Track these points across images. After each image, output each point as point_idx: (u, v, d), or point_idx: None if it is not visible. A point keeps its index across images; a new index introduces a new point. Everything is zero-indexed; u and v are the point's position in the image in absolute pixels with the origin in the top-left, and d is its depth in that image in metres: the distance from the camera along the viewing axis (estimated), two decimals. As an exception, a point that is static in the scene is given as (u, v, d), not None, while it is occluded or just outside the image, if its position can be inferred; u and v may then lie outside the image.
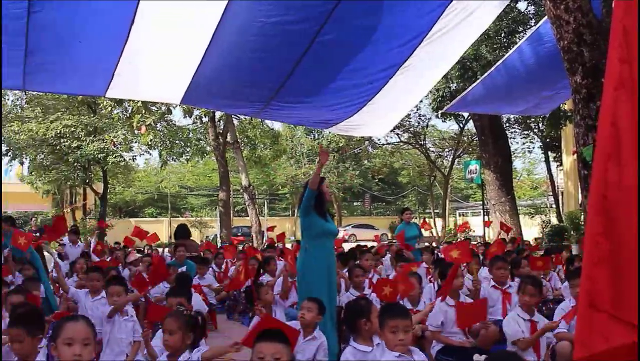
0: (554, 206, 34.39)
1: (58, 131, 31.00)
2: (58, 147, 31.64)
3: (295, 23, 6.44)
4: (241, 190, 31.10)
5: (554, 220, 31.40)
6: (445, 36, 7.04)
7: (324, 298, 6.81)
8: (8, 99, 35.85)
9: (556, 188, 33.31)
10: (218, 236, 33.88)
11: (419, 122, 37.04)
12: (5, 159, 39.02)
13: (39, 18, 5.96)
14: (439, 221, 39.16)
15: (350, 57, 7.23)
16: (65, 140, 31.18)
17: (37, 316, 5.35)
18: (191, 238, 14.35)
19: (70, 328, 3.98)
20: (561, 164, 32.07)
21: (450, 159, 40.66)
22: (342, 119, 8.94)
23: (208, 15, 6.18)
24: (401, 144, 41.34)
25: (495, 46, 20.66)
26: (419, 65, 7.53)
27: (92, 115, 32.27)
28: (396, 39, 6.91)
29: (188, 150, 32.13)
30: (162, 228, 46.59)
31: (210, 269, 12.95)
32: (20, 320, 5.02)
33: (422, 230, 14.56)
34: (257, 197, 37.95)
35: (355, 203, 65.70)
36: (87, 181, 35.19)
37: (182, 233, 13.93)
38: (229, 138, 29.26)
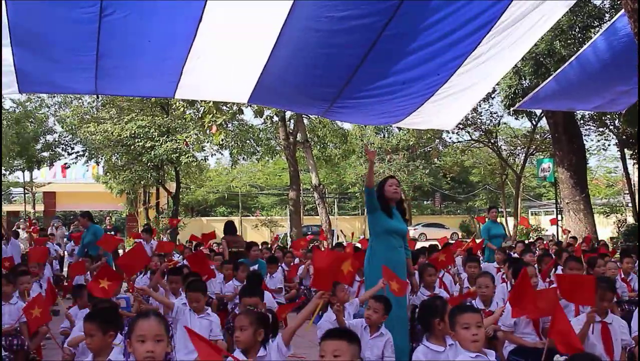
0: (630, 205, 33.58)
1: (132, 132, 31.50)
2: (132, 147, 32.08)
3: (363, 17, 6.36)
4: (311, 189, 31.26)
5: (631, 219, 30.72)
6: (513, 27, 6.87)
7: (389, 295, 6.83)
8: (84, 101, 36.77)
9: (632, 186, 32.50)
10: (288, 235, 34.05)
11: (490, 120, 36.57)
12: (82, 160, 40.09)
13: (109, 21, 6.02)
14: (511, 220, 38.53)
15: (417, 50, 7.09)
16: (139, 140, 31.62)
17: (111, 313, 5.43)
18: (237, 233, 14.98)
19: (141, 325, 4.03)
20: (638, 162, 31.26)
21: (522, 158, 40.06)
22: (408, 113, 8.79)
23: (275, 13, 6.14)
24: (472, 142, 40.93)
25: (569, 41, 20.30)
26: (486, 56, 7.36)
27: (165, 116, 32.68)
28: (463, 29, 6.76)
29: (259, 149, 32.42)
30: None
31: (280, 268, 13.01)
32: (94, 316, 5.10)
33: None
34: (327, 196, 38.07)
35: (425, 202, 65.25)
36: (160, 180, 35.74)
37: (229, 229, 14.45)
38: (299, 137, 29.37)
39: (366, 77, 7.55)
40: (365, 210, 8.30)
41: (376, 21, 6.39)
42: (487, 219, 15.36)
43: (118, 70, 7.33)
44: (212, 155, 35.91)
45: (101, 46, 6.50)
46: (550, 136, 27.70)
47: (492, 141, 38.58)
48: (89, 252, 13.67)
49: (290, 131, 29.76)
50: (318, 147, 33.59)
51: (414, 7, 6.26)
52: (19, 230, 23.14)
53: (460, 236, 44.09)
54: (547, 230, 37.12)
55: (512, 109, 22.26)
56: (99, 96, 31.03)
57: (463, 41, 6.93)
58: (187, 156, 31.96)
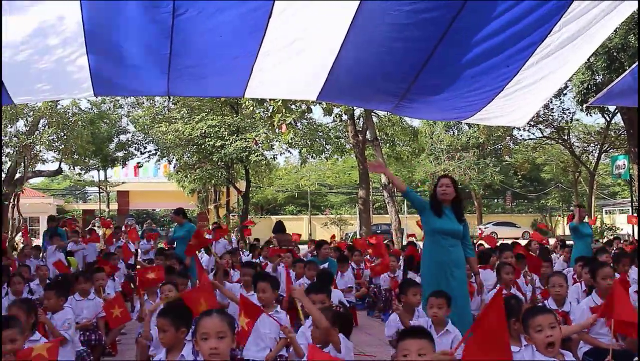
0: None
1: (203, 131, 31.93)
2: (203, 146, 32.47)
3: (431, 10, 6.27)
4: (380, 187, 31.15)
5: None
6: (585, 15, 6.43)
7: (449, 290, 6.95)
8: (156, 101, 37.37)
9: None
10: (357, 233, 34.04)
11: (562, 117, 35.90)
12: (154, 159, 40.79)
13: (182, 20, 6.07)
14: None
15: (485, 40, 6.84)
16: (210, 140, 31.98)
17: (184, 309, 5.52)
18: (286, 232, 16.55)
19: (204, 323, 4.09)
20: None
21: (596, 155, 39.29)
22: (478, 108, 8.58)
23: (344, 6, 6.11)
24: (544, 139, 40.33)
25: (644, 35, 19.78)
26: (556, 45, 6.95)
27: (234, 115, 33.01)
28: (531, 16, 6.41)
29: (327, 148, 32.45)
30: (302, 225, 47.28)
31: (349, 267, 13.00)
32: (168, 312, 5.21)
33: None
34: (396, 194, 37.91)
35: (496, 200, 64.51)
36: (230, 179, 36.06)
37: (278, 228, 16.36)
38: (368, 136, 29.29)
39: (434, 72, 7.37)
40: None
41: (444, 14, 6.29)
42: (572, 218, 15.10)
43: (190, 70, 7.35)
44: (281, 154, 35.95)
45: (174, 46, 6.52)
46: (625, 133, 26.99)
47: (564, 138, 37.96)
48: (176, 249, 13.76)
49: (359, 130, 29.76)
50: (387, 145, 33.48)
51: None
52: (95, 228, 23.68)
53: (530, 235, 43.39)
54: (622, 229, 36.32)
55: (585, 105, 21.83)
56: (170, 98, 31.51)
57: (532, 30, 6.65)
58: (256, 154, 32.10)
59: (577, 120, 40.58)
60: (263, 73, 7.28)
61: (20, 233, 32.03)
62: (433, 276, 7.82)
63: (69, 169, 37.98)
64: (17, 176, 32.51)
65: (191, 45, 6.66)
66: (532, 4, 6.20)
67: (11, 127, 30.60)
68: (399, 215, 28.76)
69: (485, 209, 59.32)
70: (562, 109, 35.55)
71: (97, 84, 7.45)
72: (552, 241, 17.05)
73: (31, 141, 30.82)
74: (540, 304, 8.14)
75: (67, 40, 6.47)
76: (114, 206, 52.16)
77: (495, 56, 7.11)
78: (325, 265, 11.87)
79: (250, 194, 39.22)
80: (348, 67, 7.22)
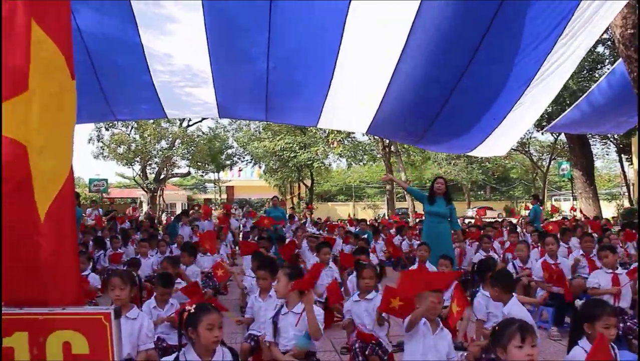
0: (626, 193, 31.71)
1: (282, 146, 32.25)
2: (282, 156, 32.85)
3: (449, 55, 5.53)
4: (401, 184, 31.00)
5: (627, 203, 29.05)
6: (572, 41, 5.19)
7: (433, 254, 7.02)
8: (252, 127, 37.69)
9: (628, 180, 30.74)
10: (386, 214, 33.87)
11: (525, 135, 35.06)
12: (250, 165, 41.08)
13: (275, 72, 6.07)
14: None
15: (502, 70, 5.65)
16: (287, 152, 32.33)
17: (274, 264, 5.47)
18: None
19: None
20: (631, 163, 29.62)
21: (547, 161, 38.36)
22: (474, 146, 7.74)
23: (384, 70, 5.88)
24: (512, 151, 39.48)
25: (579, 80, 19.56)
26: (546, 74, 5.68)
27: (303, 135, 33.16)
28: (531, 48, 5.31)
29: (365, 157, 32.58)
30: (349, 209, 47.20)
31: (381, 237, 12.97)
32: (265, 265, 5.11)
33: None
34: (411, 188, 37.72)
35: (479, 192, 63.43)
36: (300, 178, 36.27)
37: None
38: (392, 148, 29.16)
39: (446, 119, 6.82)
40: None
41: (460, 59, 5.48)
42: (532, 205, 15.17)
43: (280, 105, 7.33)
44: (334, 161, 36.18)
45: (269, 87, 6.56)
46: (567, 146, 26.33)
47: (526, 150, 37.23)
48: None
49: (387, 145, 29.57)
50: (405, 155, 33.17)
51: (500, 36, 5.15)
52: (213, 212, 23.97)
53: (504, 215, 42.58)
54: (565, 212, 35.44)
55: (542, 131, 21.45)
56: (268, 122, 31.79)
57: (529, 60, 5.45)
58: (317, 162, 32.47)
59: (535, 137, 39.73)
60: (329, 111, 7.22)
61: (164, 213, 32.71)
62: (429, 241, 7.79)
63: (195, 172, 38.51)
64: (162, 176, 33.15)
65: (280, 90, 6.65)
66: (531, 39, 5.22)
67: (158, 144, 31.25)
68: (414, 202, 28.50)
69: (472, 198, 58.31)
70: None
71: (220, 110, 7.58)
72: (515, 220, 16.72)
73: (170, 154, 31.41)
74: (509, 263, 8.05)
75: (203, 79, 6.59)
76: (224, 196, 52.69)
77: (507, 84, 6.00)
78: (365, 236, 11.86)
79: (314, 188, 39.32)
80: (385, 115, 7.03)
